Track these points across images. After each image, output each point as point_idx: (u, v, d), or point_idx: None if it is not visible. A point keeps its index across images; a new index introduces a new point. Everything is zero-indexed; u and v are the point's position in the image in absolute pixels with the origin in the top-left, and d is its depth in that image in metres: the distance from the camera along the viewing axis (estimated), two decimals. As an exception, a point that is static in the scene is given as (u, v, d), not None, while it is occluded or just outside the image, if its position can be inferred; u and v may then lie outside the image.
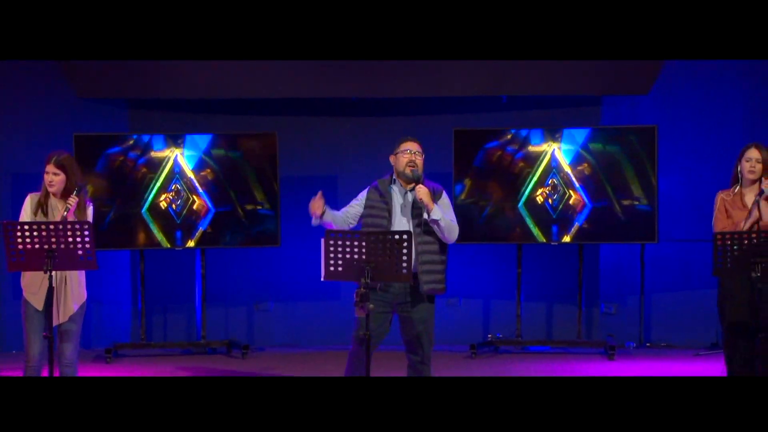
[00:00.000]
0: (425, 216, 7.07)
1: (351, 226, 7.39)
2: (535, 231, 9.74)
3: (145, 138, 9.81)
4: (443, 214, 7.13)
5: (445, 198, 7.28)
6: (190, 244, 9.85)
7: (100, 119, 10.24)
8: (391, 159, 7.26)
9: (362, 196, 7.36)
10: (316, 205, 7.08)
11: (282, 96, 10.15)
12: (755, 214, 7.20)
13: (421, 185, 7.06)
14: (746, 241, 7.00)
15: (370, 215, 7.25)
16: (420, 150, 7.22)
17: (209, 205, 9.81)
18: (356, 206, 7.37)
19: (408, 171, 7.12)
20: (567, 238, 9.76)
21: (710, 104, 10.15)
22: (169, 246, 9.84)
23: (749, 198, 7.31)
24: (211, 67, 9.95)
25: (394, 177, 7.25)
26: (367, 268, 6.78)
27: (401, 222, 7.21)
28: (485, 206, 9.77)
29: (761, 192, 7.17)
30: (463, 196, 9.75)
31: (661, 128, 9.72)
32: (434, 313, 7.45)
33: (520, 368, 9.22)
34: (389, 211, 7.20)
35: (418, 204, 7.09)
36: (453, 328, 10.07)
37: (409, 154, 7.16)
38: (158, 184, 9.77)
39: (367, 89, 10.08)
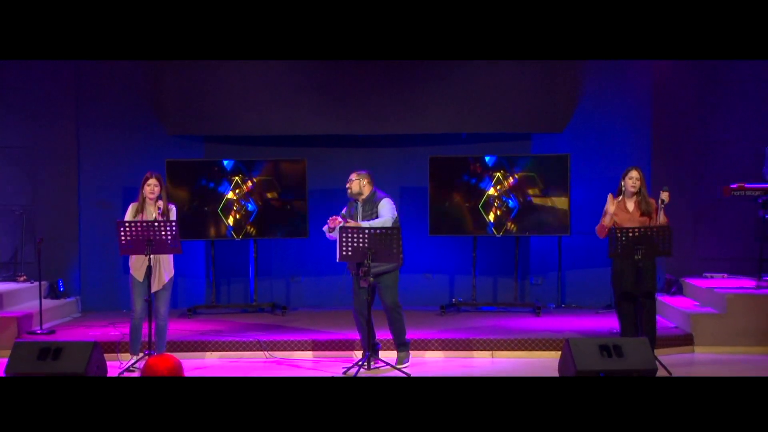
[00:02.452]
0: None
1: None
2: (486, 227, 9.70)
3: (217, 162, 9.79)
4: (381, 215, 7.36)
5: (383, 203, 7.43)
6: (247, 235, 9.80)
7: (183, 149, 10.16)
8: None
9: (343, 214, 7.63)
10: (335, 223, 7.30)
11: (309, 133, 10.07)
12: (662, 217, 7.38)
13: (336, 217, 7.41)
14: (630, 234, 7.24)
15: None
16: (355, 178, 7.50)
17: (262, 210, 9.79)
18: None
19: (351, 193, 7.50)
20: (507, 231, 9.70)
21: (606, 138, 10.05)
22: (232, 237, 9.81)
23: (630, 204, 7.52)
24: (260, 112, 9.92)
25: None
26: (369, 253, 7.05)
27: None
28: (451, 210, 9.75)
29: (662, 201, 7.37)
30: (436, 204, 9.70)
31: (572, 155, 9.68)
32: (397, 282, 7.50)
33: (474, 322, 9.01)
34: (352, 218, 7.47)
35: (365, 212, 7.43)
36: (428, 294, 10.09)
37: (349, 183, 7.52)
38: (227, 195, 9.71)
39: (369, 128, 10.02)
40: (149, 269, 7.20)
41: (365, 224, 7.24)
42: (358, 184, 7.45)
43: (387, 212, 7.35)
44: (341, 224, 7.27)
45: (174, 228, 7.14)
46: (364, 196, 7.44)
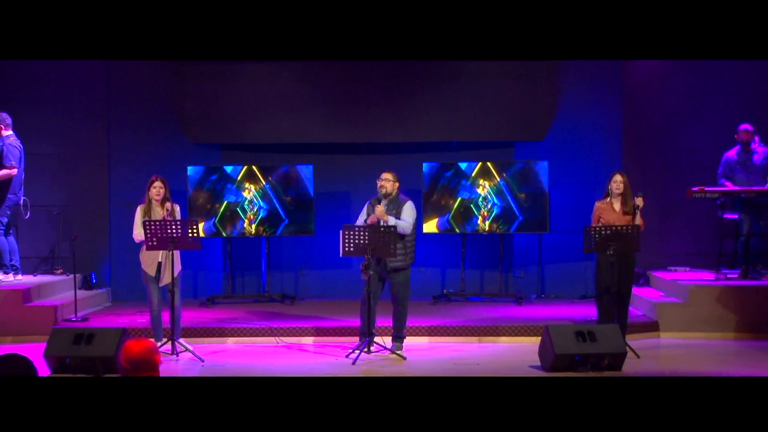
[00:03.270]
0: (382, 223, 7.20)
1: None
2: (474, 226, 9.70)
3: (232, 167, 9.80)
4: (404, 219, 7.22)
5: (407, 206, 7.34)
6: (259, 233, 9.82)
7: (202, 156, 10.13)
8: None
9: (364, 209, 7.53)
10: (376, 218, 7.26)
11: (316, 141, 10.06)
12: (638, 219, 7.41)
13: (379, 205, 7.27)
14: (603, 231, 7.28)
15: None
16: (390, 178, 7.36)
17: (273, 210, 9.78)
18: (364, 214, 7.47)
19: (380, 191, 7.34)
20: (492, 230, 9.70)
21: (582, 145, 10.03)
22: (247, 234, 9.82)
23: (616, 205, 7.50)
24: (272, 122, 9.92)
25: (378, 196, 7.40)
26: (369, 248, 7.07)
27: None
28: (442, 210, 9.73)
29: (637, 206, 7.39)
30: (429, 204, 9.70)
31: (551, 161, 9.69)
32: (409, 278, 7.48)
33: (463, 311, 8.98)
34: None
35: (389, 211, 7.27)
36: (421, 286, 9.90)
37: (379, 182, 7.38)
38: (242, 197, 9.72)
39: (370, 137, 10.03)
40: (159, 265, 7.25)
41: (393, 221, 7.20)
42: (392, 185, 7.38)
43: (409, 217, 7.31)
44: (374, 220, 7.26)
45: (195, 226, 7.20)
46: (391, 196, 7.36)
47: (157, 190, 7.35)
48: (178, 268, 7.35)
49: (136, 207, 7.54)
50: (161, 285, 7.33)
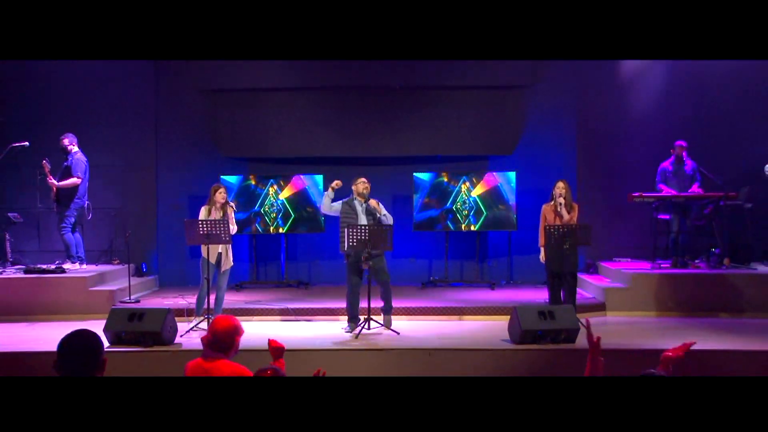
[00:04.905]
0: (378, 215, 7.17)
1: (333, 213, 7.39)
2: (455, 225, 9.71)
3: (260, 178, 9.80)
4: (386, 212, 7.26)
5: (380, 204, 7.35)
6: (279, 231, 9.81)
7: (233, 167, 10.11)
8: (353, 187, 7.33)
9: (338, 205, 7.35)
10: (336, 184, 7.24)
11: (325, 155, 10.04)
12: (563, 215, 7.45)
13: (372, 199, 7.25)
14: (561, 230, 7.29)
15: (346, 218, 7.23)
16: (366, 182, 7.35)
17: (290, 212, 9.79)
18: (337, 207, 7.34)
19: (364, 192, 7.27)
20: (470, 228, 9.71)
21: (543, 158, 9.94)
22: (269, 232, 9.82)
23: (558, 207, 7.49)
24: (289, 139, 9.92)
25: (353, 197, 7.31)
26: (369, 243, 7.05)
27: (362, 219, 7.19)
28: (429, 212, 9.73)
29: (559, 204, 7.43)
30: (418, 207, 9.70)
31: (518, 171, 9.72)
32: (385, 262, 7.34)
33: (447, 294, 8.96)
34: (356, 215, 7.24)
35: (370, 210, 7.22)
36: (412, 274, 10.04)
37: (363, 185, 7.31)
38: (266, 200, 9.72)
39: (369, 151, 9.99)
40: (219, 255, 7.25)
41: (384, 211, 7.26)
42: (369, 186, 7.37)
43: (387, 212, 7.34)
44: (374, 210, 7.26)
45: (227, 226, 7.16)
46: (365, 196, 7.32)
47: (222, 195, 7.34)
48: (231, 263, 7.38)
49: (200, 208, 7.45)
50: (222, 270, 7.28)
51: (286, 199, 9.77)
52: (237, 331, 3.93)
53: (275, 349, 3.96)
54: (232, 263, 7.48)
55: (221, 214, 7.28)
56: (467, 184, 9.69)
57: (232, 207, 7.41)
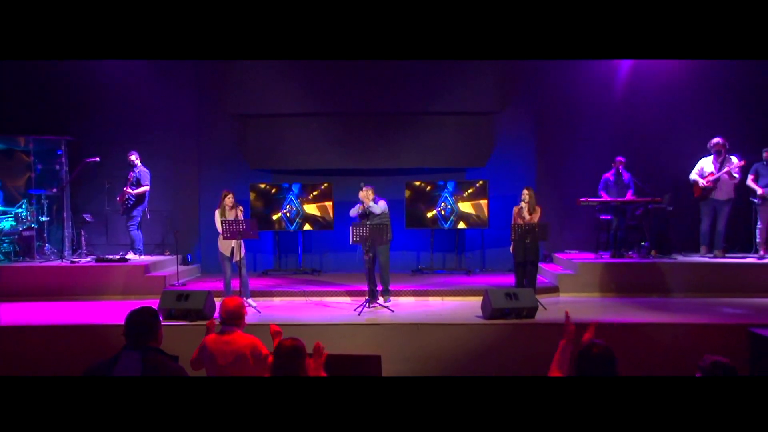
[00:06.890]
0: (365, 205, 7.22)
1: (354, 215, 7.41)
2: (439, 223, 9.67)
3: (280, 185, 9.74)
4: (375, 207, 7.23)
5: (380, 203, 7.32)
6: (297, 228, 9.75)
7: (259, 177, 10.04)
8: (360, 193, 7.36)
9: (357, 206, 7.41)
10: (361, 208, 7.23)
11: (333, 167, 9.95)
12: (525, 215, 7.45)
13: (360, 191, 7.28)
14: (523, 227, 7.27)
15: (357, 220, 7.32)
16: (370, 190, 7.31)
17: (306, 212, 9.74)
18: (356, 211, 7.40)
19: (363, 198, 7.31)
20: (452, 226, 9.66)
21: (510, 168, 9.93)
22: (289, 229, 9.78)
23: (524, 209, 7.44)
24: (305, 154, 9.82)
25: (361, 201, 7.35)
26: (369, 238, 7.04)
27: (366, 219, 7.27)
28: (418, 213, 9.69)
29: (522, 208, 7.41)
30: (410, 209, 9.65)
31: (490, 180, 9.67)
32: (388, 252, 7.36)
33: (432, 279, 8.83)
34: (364, 215, 7.32)
35: (368, 210, 7.24)
36: (403, 263, 9.98)
37: (361, 192, 7.33)
38: (286, 204, 9.67)
39: (369, 164, 9.87)
40: (232, 249, 7.18)
41: (373, 205, 7.25)
42: (373, 192, 7.39)
43: (378, 208, 7.34)
44: (365, 207, 7.26)
45: (256, 224, 7.12)
46: (370, 201, 7.35)
47: (231, 199, 7.29)
48: (243, 251, 7.33)
49: (215, 211, 7.47)
50: (234, 261, 7.23)
51: (303, 202, 9.74)
52: (243, 307, 4.05)
53: (275, 333, 3.95)
54: (245, 251, 7.36)
55: (234, 216, 7.22)
56: (448, 190, 9.60)
57: (241, 209, 7.38)
